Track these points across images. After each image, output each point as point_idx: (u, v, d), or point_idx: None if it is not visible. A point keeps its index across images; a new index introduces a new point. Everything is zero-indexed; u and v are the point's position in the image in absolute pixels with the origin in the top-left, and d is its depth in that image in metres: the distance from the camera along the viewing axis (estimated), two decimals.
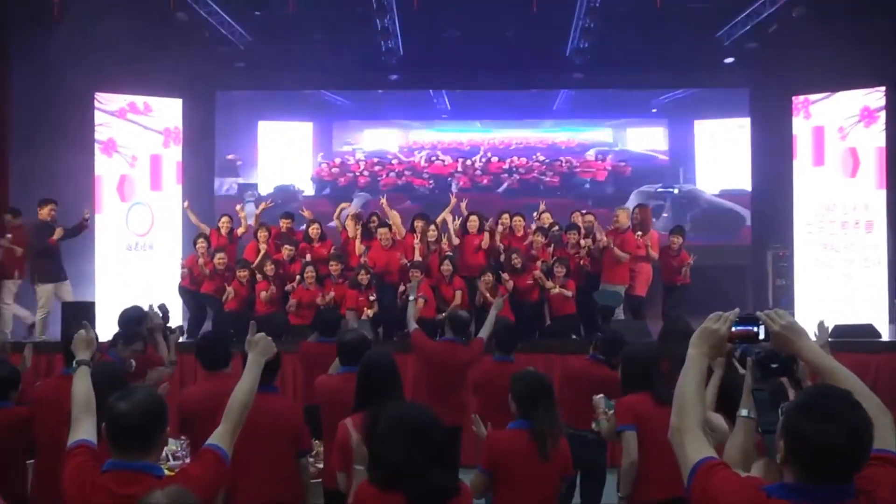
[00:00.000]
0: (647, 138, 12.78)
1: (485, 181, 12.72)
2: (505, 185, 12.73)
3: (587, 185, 12.68)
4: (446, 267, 8.61)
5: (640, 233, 9.04)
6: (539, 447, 3.64)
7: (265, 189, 12.80)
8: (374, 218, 9.54)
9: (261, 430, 3.64)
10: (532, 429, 3.66)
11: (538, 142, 12.75)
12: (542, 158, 12.80)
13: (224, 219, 9.62)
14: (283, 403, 4.04)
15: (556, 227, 9.53)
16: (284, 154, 12.99)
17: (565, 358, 7.00)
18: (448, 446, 2.41)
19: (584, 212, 9.88)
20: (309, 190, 12.85)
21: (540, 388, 3.74)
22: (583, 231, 9.43)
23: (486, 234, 9.15)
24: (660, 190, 12.65)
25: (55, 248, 8.91)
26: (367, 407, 3.49)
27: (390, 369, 3.76)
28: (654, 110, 12.77)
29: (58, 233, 8.81)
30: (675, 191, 12.71)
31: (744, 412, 2.39)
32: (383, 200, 9.59)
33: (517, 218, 9.47)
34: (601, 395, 4.37)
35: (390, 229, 9.13)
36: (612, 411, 4.22)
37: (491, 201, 12.49)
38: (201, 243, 9.22)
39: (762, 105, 12.22)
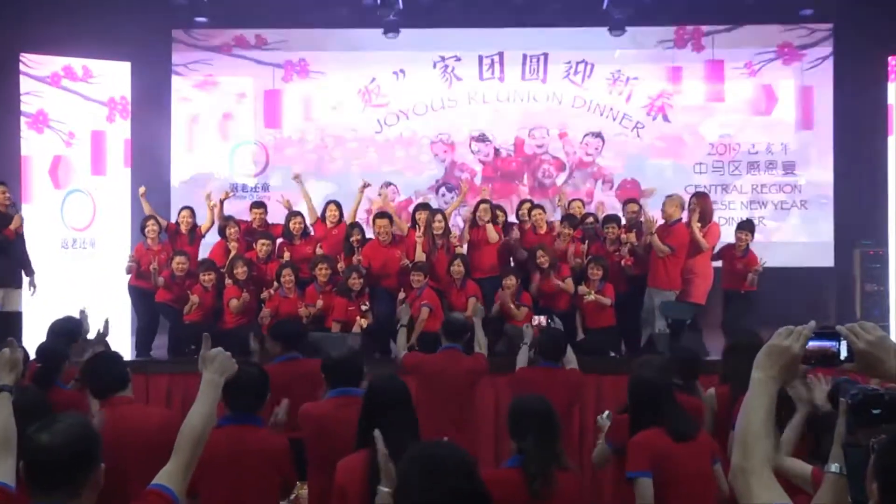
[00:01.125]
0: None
1: (513, 165, 12.72)
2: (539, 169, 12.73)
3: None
4: (457, 268, 8.62)
5: (699, 224, 9.01)
6: (529, 487, 3.59)
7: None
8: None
9: (241, 471, 3.64)
10: (523, 466, 3.64)
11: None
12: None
13: (184, 213, 9.61)
14: (269, 439, 4.05)
15: (591, 220, 9.55)
16: None
17: (618, 381, 7.05)
18: (485, 493, 2.40)
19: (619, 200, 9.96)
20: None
21: (530, 414, 3.71)
22: (625, 223, 9.44)
23: (490, 226, 9.16)
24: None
25: (12, 242, 8.70)
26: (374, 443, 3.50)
27: (401, 396, 3.80)
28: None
29: (16, 221, 8.71)
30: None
31: (833, 467, 2.35)
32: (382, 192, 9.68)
33: (537, 211, 9.52)
34: (607, 413, 4.59)
35: (391, 221, 9.16)
36: (605, 428, 4.48)
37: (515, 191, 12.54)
38: (152, 226, 9.22)
39: (849, 67, 12.18)
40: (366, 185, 9.92)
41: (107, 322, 6.17)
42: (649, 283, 8.97)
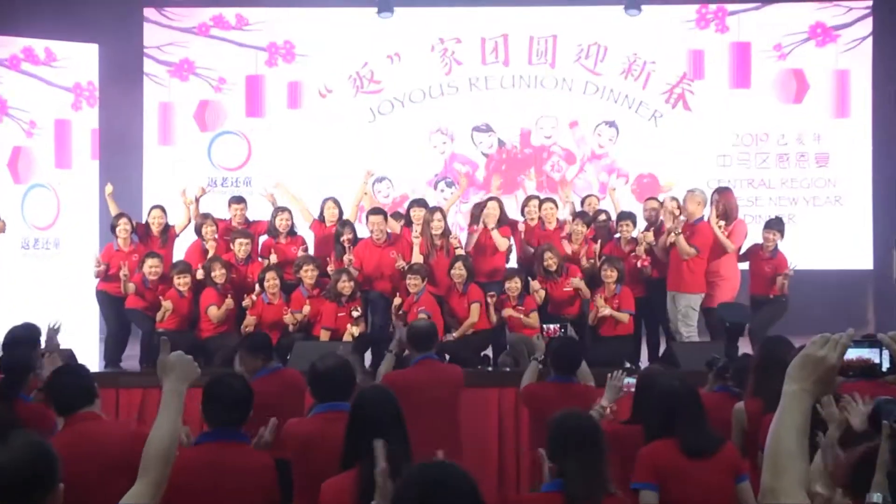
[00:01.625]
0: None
1: (518, 157, 12.72)
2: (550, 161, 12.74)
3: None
4: (459, 271, 8.60)
5: (722, 222, 9.00)
6: None
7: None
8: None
9: (221, 492, 3.62)
10: (564, 491, 3.58)
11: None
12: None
13: (155, 212, 9.54)
14: (252, 457, 4.03)
15: (604, 217, 9.53)
16: None
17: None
18: None
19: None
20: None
21: (573, 433, 3.67)
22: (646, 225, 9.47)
23: (497, 233, 9.12)
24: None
25: None
26: (363, 460, 3.48)
27: (391, 409, 3.77)
28: None
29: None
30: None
31: (876, 497, 2.36)
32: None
33: (548, 205, 9.52)
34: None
35: (385, 218, 9.17)
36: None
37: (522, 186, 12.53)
38: (124, 225, 9.20)
39: (889, 49, 12.19)
40: (370, 174, 9.97)
41: (53, 328, 6.16)
42: (671, 286, 8.95)
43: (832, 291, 11.28)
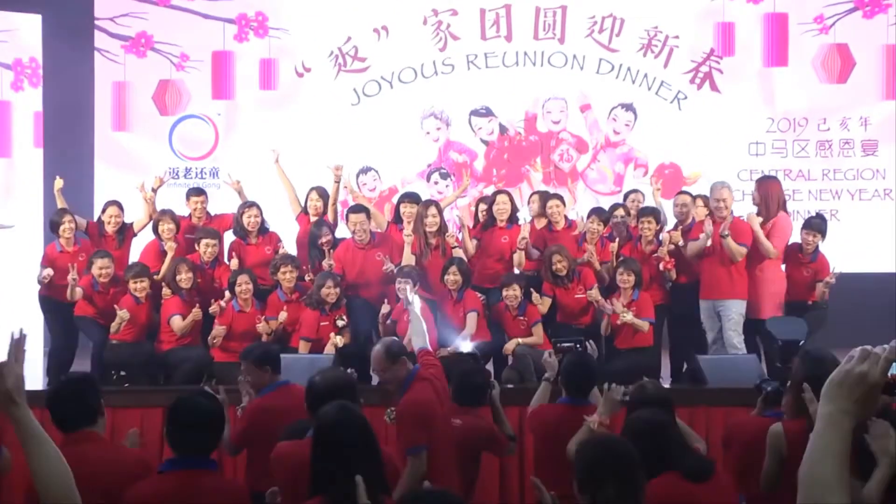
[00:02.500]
0: None
1: (523, 145, 12.76)
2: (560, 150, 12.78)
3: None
4: (453, 276, 8.70)
5: (760, 218, 9.04)
6: None
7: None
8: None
9: None
10: None
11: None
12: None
13: (111, 210, 9.57)
14: (226, 486, 4.11)
15: (622, 212, 9.57)
16: None
17: (729, 412, 7.18)
18: None
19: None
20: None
21: (608, 460, 3.74)
22: (664, 218, 9.57)
23: (525, 225, 9.29)
24: None
25: None
26: (331, 489, 3.56)
27: (361, 431, 3.83)
28: None
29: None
30: None
31: None
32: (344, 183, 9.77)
33: (553, 202, 9.60)
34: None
35: (369, 216, 9.24)
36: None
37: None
38: (68, 223, 9.21)
39: None
40: (339, 172, 9.80)
41: (16, 339, 6.16)
42: (710, 293, 9.04)
43: (879, 298, 11.27)
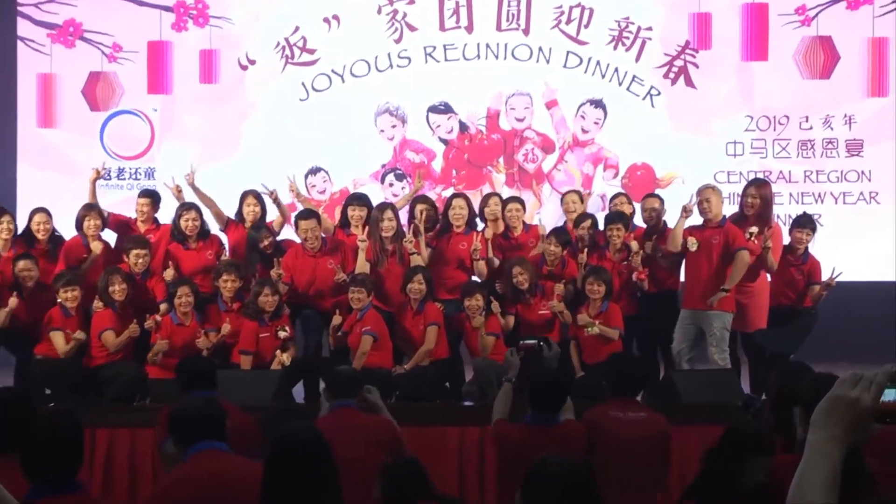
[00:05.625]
0: None
1: (484, 144, 12.84)
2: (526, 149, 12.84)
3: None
4: (418, 285, 8.77)
5: (753, 229, 9.14)
6: None
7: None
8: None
9: None
10: None
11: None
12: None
13: (39, 217, 9.40)
14: None
15: (588, 224, 9.54)
16: None
17: (704, 431, 7.25)
18: None
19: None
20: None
21: (557, 483, 3.75)
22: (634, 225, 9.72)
23: (478, 236, 9.32)
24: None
25: None
26: None
27: (320, 454, 3.87)
28: None
29: None
30: None
31: None
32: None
33: (514, 206, 9.68)
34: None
35: (319, 221, 9.30)
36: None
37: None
38: (7, 223, 9.16)
39: None
40: (273, 195, 9.73)
41: None
42: (689, 302, 9.17)
43: (865, 310, 11.39)
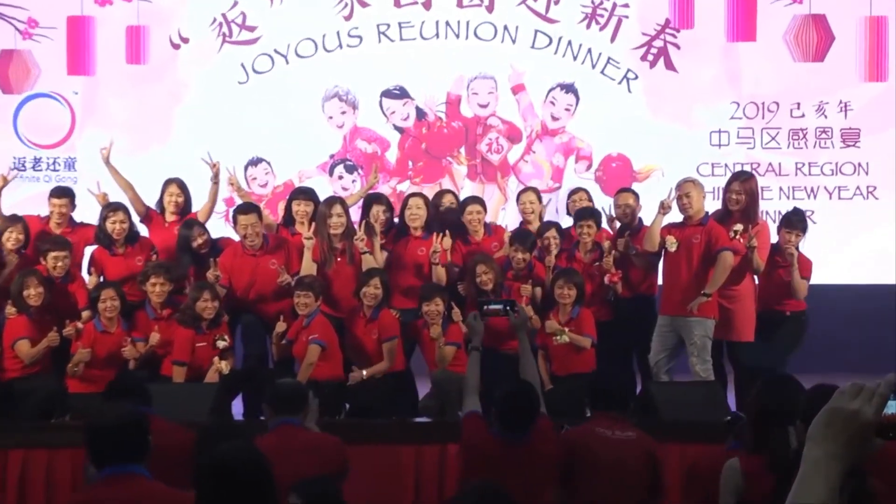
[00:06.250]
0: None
1: (454, 125, 12.85)
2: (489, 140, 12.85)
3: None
4: (374, 290, 8.78)
5: (738, 227, 9.19)
6: None
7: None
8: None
9: None
10: None
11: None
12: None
13: None
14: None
15: (554, 234, 9.51)
16: None
17: (684, 450, 7.34)
18: None
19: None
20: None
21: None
22: (612, 223, 9.79)
23: (438, 237, 9.32)
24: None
25: None
26: None
27: (258, 477, 3.89)
28: None
29: None
30: None
31: None
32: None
33: (474, 208, 9.73)
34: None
35: (260, 217, 9.31)
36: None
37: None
38: None
39: None
40: (216, 168, 9.83)
41: None
42: (666, 307, 9.23)
43: (863, 315, 11.50)
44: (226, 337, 8.75)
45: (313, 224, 9.23)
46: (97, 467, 4.46)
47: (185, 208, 9.66)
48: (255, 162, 12.35)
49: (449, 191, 10.58)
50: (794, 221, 9.43)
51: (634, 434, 6.20)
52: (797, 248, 9.31)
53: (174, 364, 8.64)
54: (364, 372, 8.68)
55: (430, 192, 11.16)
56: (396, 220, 9.69)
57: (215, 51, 12.68)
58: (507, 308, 7.03)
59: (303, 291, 8.62)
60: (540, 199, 10.04)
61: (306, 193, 9.72)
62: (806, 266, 9.30)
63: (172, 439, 5.56)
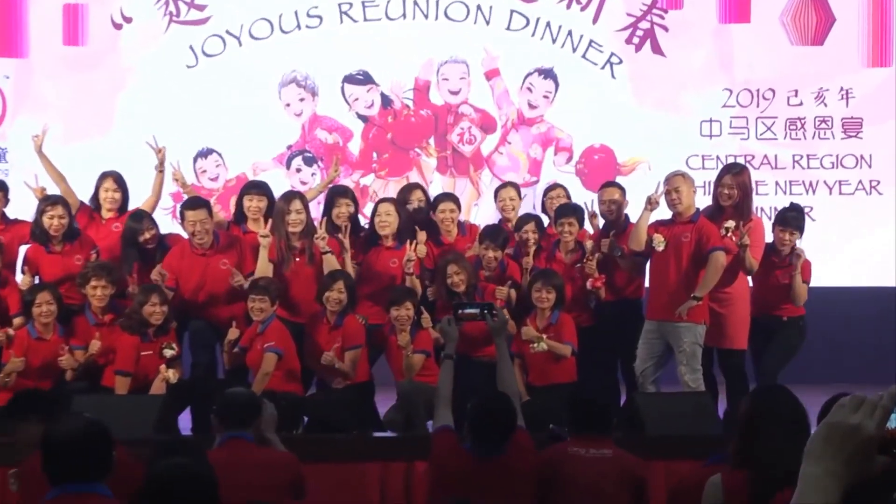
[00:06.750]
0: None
1: (412, 121, 12.86)
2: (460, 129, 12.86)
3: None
4: (337, 294, 8.75)
5: (729, 223, 9.19)
6: None
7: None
8: None
9: None
10: None
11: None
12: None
13: None
14: None
15: (533, 228, 9.58)
16: None
17: (670, 467, 7.34)
18: None
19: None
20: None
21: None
22: (594, 220, 9.78)
23: (413, 246, 9.30)
24: None
25: None
26: None
27: (203, 496, 3.92)
28: None
29: None
30: None
31: None
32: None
33: (447, 206, 9.76)
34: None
35: (210, 212, 9.28)
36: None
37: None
38: None
39: None
40: (162, 154, 9.85)
41: None
42: (658, 313, 9.22)
43: (864, 320, 11.54)
44: (174, 345, 8.68)
45: (269, 221, 9.20)
46: (52, 483, 4.39)
47: (122, 205, 9.60)
48: (205, 153, 12.33)
49: (417, 185, 10.48)
50: (790, 219, 9.44)
51: (611, 452, 6.19)
52: (794, 249, 9.33)
53: (117, 374, 8.57)
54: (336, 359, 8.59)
55: (396, 186, 11.21)
56: (362, 219, 9.69)
57: (161, 31, 12.63)
58: (484, 311, 7.00)
59: (258, 295, 8.57)
60: (520, 195, 10.03)
61: (259, 188, 9.68)
62: (806, 269, 9.31)
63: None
